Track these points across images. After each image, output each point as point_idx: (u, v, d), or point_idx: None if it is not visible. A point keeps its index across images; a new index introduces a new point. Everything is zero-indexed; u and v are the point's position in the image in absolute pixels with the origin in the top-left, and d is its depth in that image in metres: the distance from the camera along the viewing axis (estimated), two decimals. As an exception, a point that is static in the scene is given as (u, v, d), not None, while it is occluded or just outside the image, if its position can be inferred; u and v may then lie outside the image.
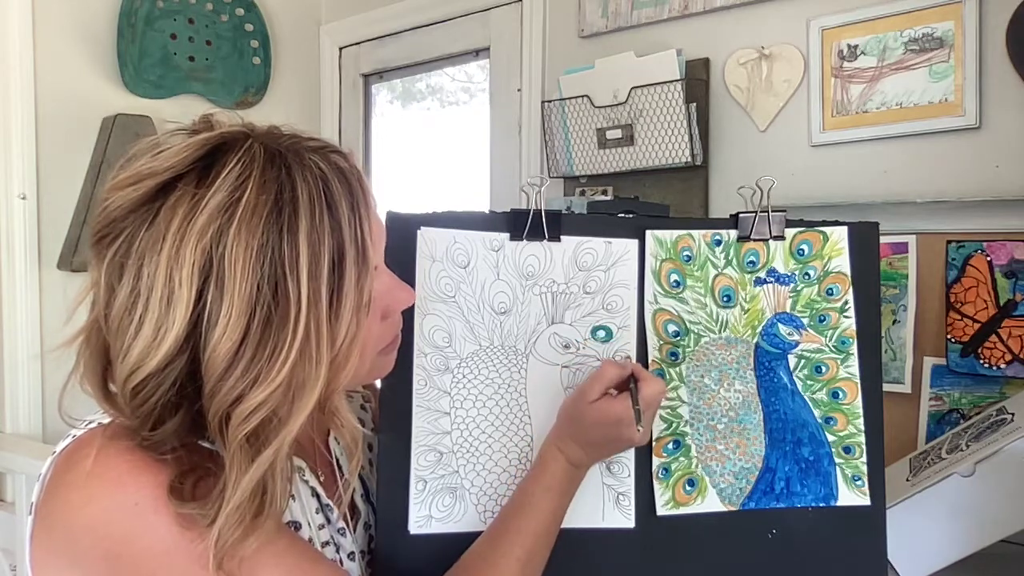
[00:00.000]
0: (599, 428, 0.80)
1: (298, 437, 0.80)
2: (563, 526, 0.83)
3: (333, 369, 0.65)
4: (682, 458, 0.90)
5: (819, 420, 0.93)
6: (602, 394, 0.80)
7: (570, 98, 1.94)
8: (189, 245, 0.60)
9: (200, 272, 0.61)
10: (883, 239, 0.98)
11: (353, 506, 0.85)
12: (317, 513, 0.78)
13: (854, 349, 0.94)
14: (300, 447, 0.81)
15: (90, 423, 0.70)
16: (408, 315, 0.85)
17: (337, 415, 0.70)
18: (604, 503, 0.88)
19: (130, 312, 0.63)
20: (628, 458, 0.89)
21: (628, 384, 0.81)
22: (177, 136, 0.66)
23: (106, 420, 0.69)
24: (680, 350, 0.91)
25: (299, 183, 0.64)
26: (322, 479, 0.82)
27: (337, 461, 0.87)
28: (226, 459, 0.63)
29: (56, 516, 0.66)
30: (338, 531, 0.79)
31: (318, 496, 0.78)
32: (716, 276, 0.93)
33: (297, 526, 0.75)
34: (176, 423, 0.65)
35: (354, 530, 0.84)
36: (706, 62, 1.81)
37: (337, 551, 0.79)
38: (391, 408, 0.85)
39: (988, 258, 1.43)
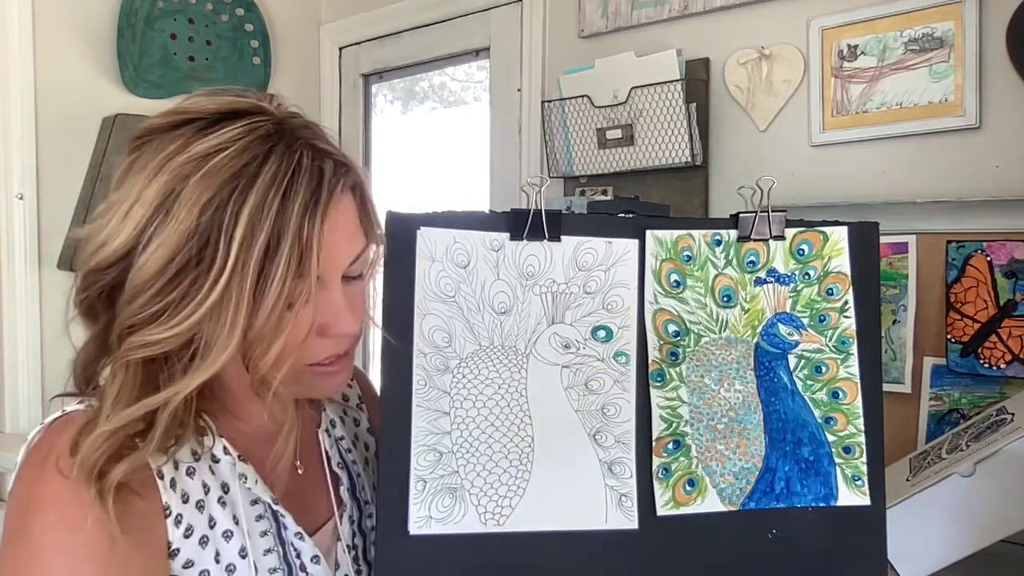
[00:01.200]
0: None
1: (264, 440, 0.80)
2: (565, 528, 0.83)
3: (244, 346, 0.67)
4: (682, 458, 0.90)
5: (819, 420, 0.93)
6: None
7: (570, 98, 1.94)
8: (163, 176, 0.66)
9: (159, 199, 0.65)
10: (883, 239, 0.98)
11: (340, 499, 0.86)
12: (258, 520, 0.77)
13: (854, 349, 0.94)
14: (263, 450, 0.81)
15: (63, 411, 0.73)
16: (408, 315, 0.85)
17: (267, 387, 0.70)
18: (607, 505, 0.88)
19: (104, 212, 0.69)
20: (630, 458, 0.89)
21: None
22: (229, 92, 0.72)
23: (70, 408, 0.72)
24: (680, 350, 0.91)
25: (271, 162, 0.67)
26: (301, 471, 0.83)
27: (326, 453, 0.87)
28: (109, 373, 0.68)
29: (11, 498, 0.70)
30: (295, 536, 0.79)
31: (268, 504, 0.77)
32: (716, 276, 0.93)
33: (228, 534, 0.74)
34: (94, 347, 0.71)
35: (340, 522, 0.84)
36: (706, 62, 1.81)
37: (298, 556, 0.78)
38: (391, 408, 0.85)
39: (988, 258, 1.43)
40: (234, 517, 0.75)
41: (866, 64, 1.60)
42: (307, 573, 0.79)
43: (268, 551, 0.77)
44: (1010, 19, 1.44)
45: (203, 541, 0.72)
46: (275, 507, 0.78)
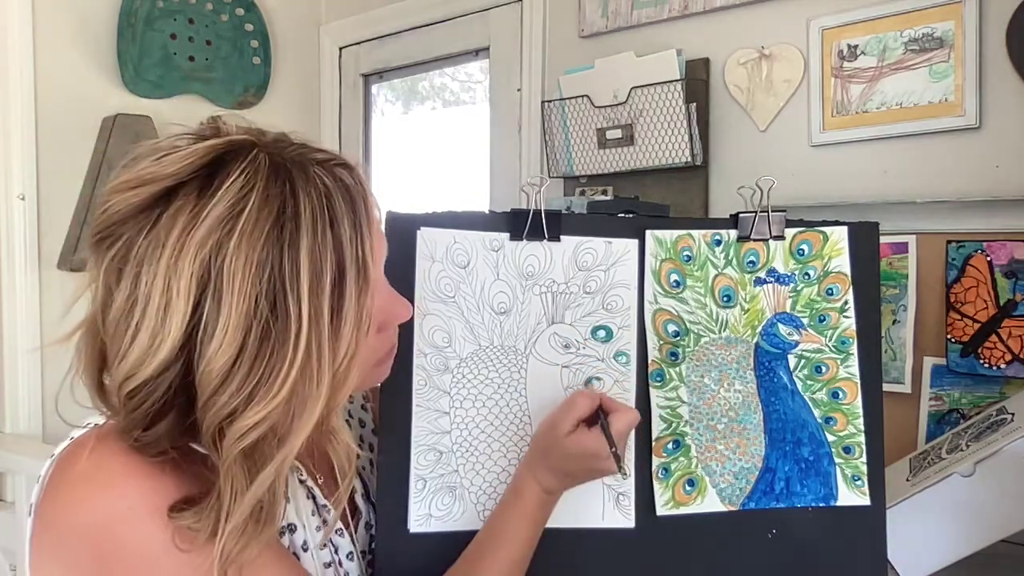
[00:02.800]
0: (573, 460, 0.79)
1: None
2: (563, 526, 0.83)
3: (333, 387, 0.65)
4: (682, 458, 0.90)
5: (819, 420, 0.93)
6: (575, 426, 0.79)
7: (570, 98, 1.94)
8: (188, 256, 0.60)
9: (198, 283, 0.60)
10: (883, 239, 0.98)
11: (354, 506, 0.86)
12: (313, 515, 0.78)
13: (854, 349, 0.94)
14: (305, 447, 0.81)
15: (89, 424, 0.70)
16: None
17: (335, 436, 0.70)
18: (604, 503, 0.88)
19: (127, 318, 0.62)
20: (628, 458, 0.89)
21: (598, 416, 0.79)
22: (183, 140, 0.65)
23: (103, 421, 0.69)
24: (680, 350, 0.91)
25: (302, 198, 0.63)
26: (320, 480, 0.82)
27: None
28: (221, 472, 0.63)
29: (49, 517, 0.66)
30: (336, 532, 0.79)
31: (314, 497, 0.78)
32: (716, 276, 0.93)
33: (292, 528, 0.75)
34: (168, 426, 0.64)
35: (355, 530, 0.84)
36: (706, 62, 1.81)
37: (336, 552, 0.79)
38: (391, 407, 0.85)
39: (988, 258, 1.43)
40: (296, 512, 0.76)
41: (866, 64, 1.60)
42: (344, 568, 0.80)
43: (323, 545, 0.77)
44: (1010, 19, 1.44)
45: (280, 533, 0.73)
46: (321, 502, 0.78)
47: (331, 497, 0.82)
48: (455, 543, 0.83)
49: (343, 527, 0.80)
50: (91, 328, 0.67)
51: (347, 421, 0.92)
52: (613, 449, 0.76)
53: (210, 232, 0.60)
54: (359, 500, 0.86)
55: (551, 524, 0.84)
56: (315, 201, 0.63)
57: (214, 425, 0.62)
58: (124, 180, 0.63)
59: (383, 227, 0.77)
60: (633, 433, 0.89)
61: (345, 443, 0.71)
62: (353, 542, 0.82)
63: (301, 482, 0.77)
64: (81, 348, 0.68)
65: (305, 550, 0.75)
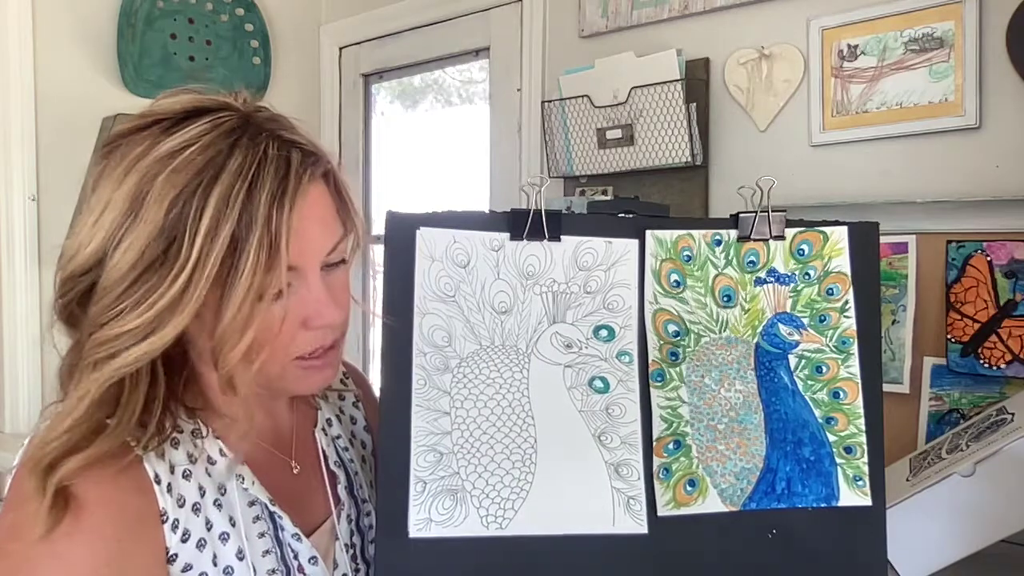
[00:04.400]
0: None
1: (276, 427, 0.80)
2: (572, 532, 0.83)
3: (224, 337, 0.67)
4: (683, 458, 0.90)
5: (820, 420, 0.93)
6: None
7: (570, 98, 1.94)
8: (131, 178, 0.66)
9: (129, 201, 0.66)
10: (883, 239, 0.98)
11: (337, 498, 0.86)
12: (255, 522, 0.77)
13: (855, 349, 0.94)
14: (278, 438, 0.81)
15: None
16: (408, 315, 0.85)
17: (231, 384, 0.70)
18: (615, 508, 0.87)
19: (78, 218, 0.70)
20: (637, 460, 0.89)
21: None
22: (188, 93, 0.72)
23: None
24: (680, 350, 0.91)
25: (235, 154, 0.67)
26: (297, 471, 0.83)
27: (323, 452, 0.87)
28: (78, 374, 0.68)
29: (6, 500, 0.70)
30: (293, 537, 0.78)
31: (265, 505, 0.77)
32: (716, 276, 0.93)
33: (225, 537, 0.74)
34: (79, 337, 0.70)
35: (338, 521, 0.84)
36: (706, 62, 1.81)
37: (295, 557, 0.78)
38: (390, 408, 0.85)
39: (988, 258, 1.43)
40: (231, 519, 0.75)
41: (866, 64, 1.60)
42: (305, 574, 0.79)
43: (266, 552, 0.76)
44: (1010, 19, 1.44)
45: (200, 544, 0.72)
46: (272, 508, 0.77)
47: (307, 489, 0.82)
48: (457, 550, 0.82)
49: (301, 533, 0.79)
50: None
51: (338, 416, 0.93)
52: None
53: (154, 162, 0.66)
54: (341, 491, 0.86)
55: (559, 531, 0.83)
56: (245, 161, 0.67)
57: (87, 332, 0.67)
58: (136, 112, 0.71)
59: (360, 215, 0.78)
60: (640, 434, 0.89)
61: (242, 395, 0.71)
62: (312, 547, 0.81)
63: (244, 489, 0.76)
64: None
65: (241, 559, 0.74)
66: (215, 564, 0.73)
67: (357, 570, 0.85)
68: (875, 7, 1.58)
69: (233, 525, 0.74)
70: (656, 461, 0.89)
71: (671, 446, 0.90)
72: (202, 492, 0.74)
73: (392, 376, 0.84)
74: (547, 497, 0.85)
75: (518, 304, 0.88)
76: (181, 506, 0.71)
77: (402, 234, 0.85)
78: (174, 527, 0.70)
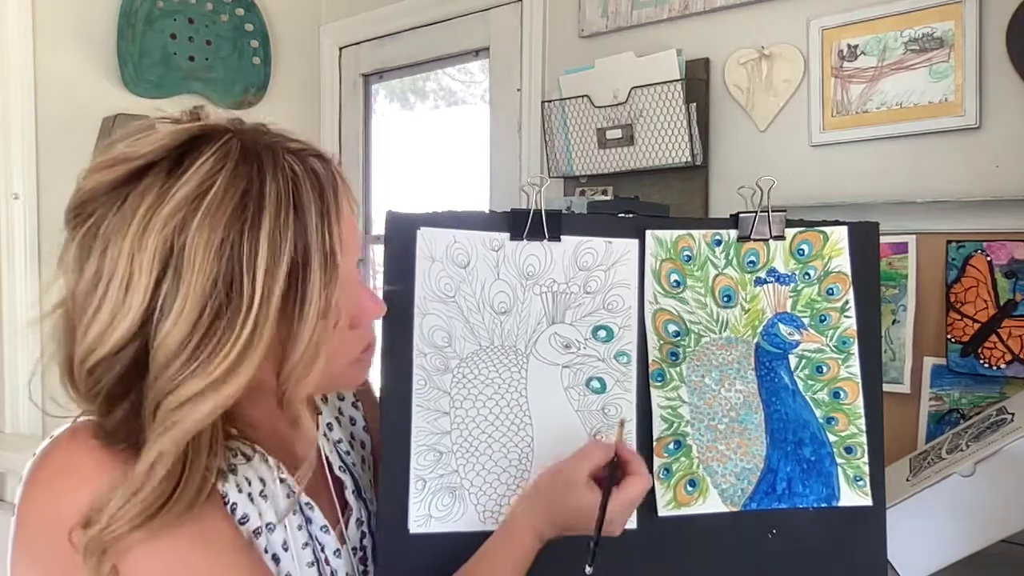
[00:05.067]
0: (576, 514, 0.78)
1: (282, 435, 0.80)
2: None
3: (296, 373, 0.65)
4: (683, 458, 0.90)
5: (820, 420, 0.93)
6: (587, 477, 0.78)
7: (570, 98, 1.94)
8: (152, 233, 0.61)
9: (160, 260, 0.61)
10: (883, 239, 0.98)
11: (344, 502, 0.85)
12: (294, 514, 0.77)
13: (855, 349, 0.94)
14: (280, 444, 0.81)
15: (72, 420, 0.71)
16: (408, 315, 0.85)
17: (299, 424, 0.69)
18: None
19: (91, 294, 0.63)
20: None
21: (611, 472, 0.78)
22: (159, 124, 0.66)
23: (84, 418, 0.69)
24: (680, 350, 0.91)
25: (268, 182, 0.64)
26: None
27: (327, 459, 0.87)
28: (147, 444, 0.63)
29: (24, 515, 0.67)
30: (321, 529, 0.79)
31: (295, 494, 0.77)
32: (716, 276, 0.93)
33: (271, 527, 0.74)
34: (127, 410, 0.64)
35: (346, 526, 0.84)
36: (706, 62, 1.81)
37: (322, 550, 0.78)
38: (391, 407, 0.85)
39: (988, 258, 1.43)
40: (275, 511, 0.75)
41: (866, 64, 1.60)
42: (331, 566, 0.79)
43: (305, 544, 0.77)
44: (1010, 19, 1.44)
45: (257, 532, 0.72)
46: (303, 500, 0.78)
47: (320, 496, 0.82)
48: (455, 544, 0.82)
49: (329, 525, 0.79)
50: (64, 311, 0.67)
51: (338, 418, 0.92)
52: (598, 531, 0.75)
53: (176, 210, 0.61)
54: (349, 496, 0.86)
55: None
56: (281, 186, 0.64)
57: (157, 399, 0.62)
58: (99, 160, 0.65)
59: (360, 222, 0.77)
60: (634, 434, 0.89)
61: (307, 433, 0.71)
62: (344, 538, 0.82)
63: (281, 480, 0.76)
64: (56, 330, 0.68)
65: (286, 550, 0.75)
66: (266, 552, 0.73)
67: (366, 572, 0.85)
68: (875, 7, 1.58)
69: (277, 517, 0.75)
70: (656, 461, 0.89)
71: (671, 446, 0.90)
72: (249, 483, 0.73)
73: (393, 376, 0.84)
74: None
75: (518, 304, 0.88)
76: (240, 492, 0.71)
77: (402, 234, 0.86)
78: (233, 510, 0.71)
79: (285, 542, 0.75)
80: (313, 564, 0.77)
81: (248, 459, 0.74)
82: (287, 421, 0.69)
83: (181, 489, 0.63)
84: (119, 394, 0.64)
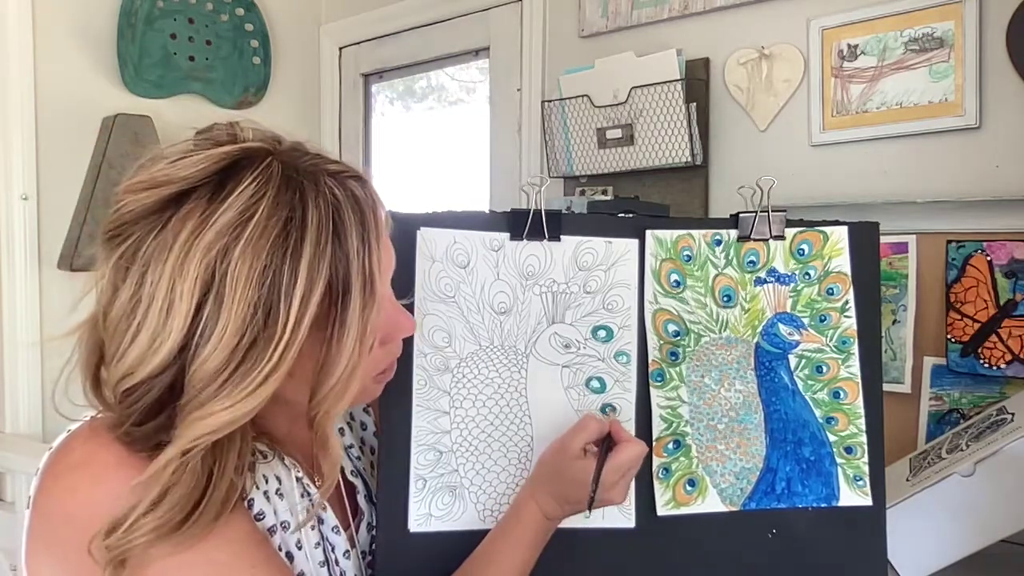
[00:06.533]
0: (573, 485, 0.79)
1: (301, 437, 0.80)
2: (563, 526, 0.83)
3: (330, 397, 0.65)
4: (682, 458, 0.90)
5: (820, 420, 0.93)
6: (583, 449, 0.80)
7: (570, 98, 1.94)
8: (194, 259, 0.61)
9: (202, 287, 0.61)
10: (883, 239, 0.98)
11: (356, 506, 0.86)
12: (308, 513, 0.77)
13: (855, 349, 0.94)
14: (298, 446, 0.81)
15: (86, 418, 0.71)
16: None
17: (325, 444, 0.69)
18: None
19: (129, 316, 0.63)
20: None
21: (605, 443, 0.80)
22: (198, 144, 0.66)
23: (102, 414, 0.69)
24: (680, 350, 0.91)
25: (311, 208, 0.63)
26: (319, 482, 0.82)
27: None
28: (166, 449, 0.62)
29: (42, 507, 0.67)
30: (333, 530, 0.79)
31: (310, 495, 0.78)
32: (716, 276, 0.93)
33: (286, 525, 0.74)
34: (157, 425, 0.65)
35: (357, 531, 0.84)
36: (706, 62, 1.81)
37: (333, 550, 0.79)
38: (391, 407, 0.85)
39: (988, 258, 1.43)
40: (290, 509, 0.75)
41: (866, 64, 1.60)
42: (340, 567, 0.79)
43: (317, 544, 0.77)
44: (1010, 19, 1.44)
45: (272, 530, 0.72)
46: (317, 500, 0.77)
47: (333, 497, 0.82)
48: (455, 543, 0.83)
49: (340, 527, 0.80)
50: (92, 325, 0.67)
51: (348, 423, 0.92)
52: (594, 486, 0.76)
53: (218, 237, 0.61)
54: (361, 500, 0.86)
55: None
56: (323, 212, 0.64)
57: (183, 418, 0.62)
58: (139, 180, 0.64)
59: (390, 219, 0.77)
60: (634, 433, 0.89)
61: (333, 454, 0.70)
62: (354, 542, 0.82)
63: (298, 480, 0.76)
64: (81, 343, 0.68)
65: (299, 548, 0.75)
66: (280, 549, 0.73)
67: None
68: (875, 7, 1.58)
69: (292, 515, 0.75)
70: (656, 461, 0.90)
71: (671, 446, 0.90)
72: (265, 480, 0.74)
73: (393, 376, 0.84)
74: None
75: (517, 304, 0.88)
76: (257, 488, 0.72)
77: (402, 234, 0.85)
78: (250, 505, 0.71)
79: (299, 541, 0.75)
80: (324, 564, 0.77)
81: (266, 457, 0.74)
82: (317, 443, 0.69)
83: (206, 503, 0.63)
84: (153, 413, 0.64)
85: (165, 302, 0.61)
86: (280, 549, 0.73)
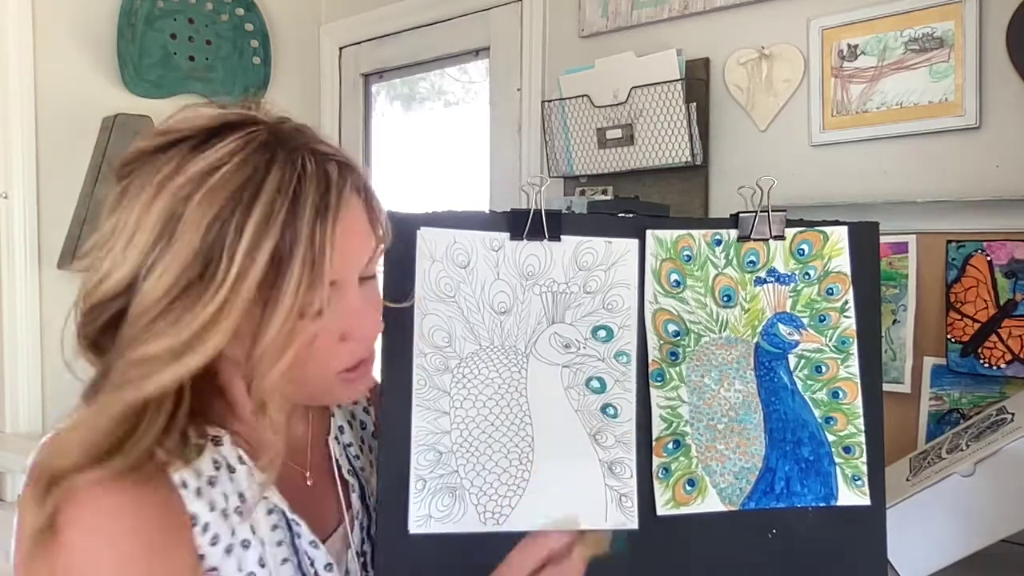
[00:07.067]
0: None
1: (292, 438, 0.80)
2: (565, 528, 0.83)
3: (263, 360, 0.66)
4: (682, 458, 0.90)
5: (819, 420, 0.93)
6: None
7: (570, 98, 1.94)
8: (161, 199, 0.64)
9: (161, 225, 0.64)
10: (883, 239, 0.98)
11: (349, 505, 0.85)
12: (274, 530, 0.76)
13: (854, 349, 0.94)
14: (293, 448, 0.81)
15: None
16: (408, 315, 0.85)
17: (270, 424, 0.69)
18: (607, 504, 0.88)
19: (103, 245, 0.67)
20: (630, 459, 0.89)
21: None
22: (208, 108, 0.70)
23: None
24: (680, 350, 0.91)
25: (274, 172, 0.65)
26: (310, 483, 0.82)
27: (336, 461, 0.87)
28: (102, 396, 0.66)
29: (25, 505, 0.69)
30: (310, 544, 0.78)
31: (282, 512, 0.77)
32: (716, 276, 0.93)
33: (246, 544, 0.73)
34: (101, 372, 0.68)
35: (352, 529, 0.84)
36: (706, 62, 1.81)
37: (312, 564, 0.78)
38: (391, 407, 0.85)
39: (988, 258, 1.43)
40: (251, 527, 0.74)
41: (866, 64, 1.60)
42: None
43: (285, 560, 0.76)
44: (1010, 19, 1.44)
45: (228, 550, 0.72)
46: (290, 515, 0.77)
47: (324, 503, 0.81)
48: (455, 545, 0.82)
49: (318, 540, 0.78)
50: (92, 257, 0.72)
51: (349, 422, 0.92)
52: None
53: (186, 183, 0.64)
54: (355, 500, 0.86)
55: (554, 527, 0.84)
56: (285, 178, 0.66)
57: (116, 357, 0.66)
58: (155, 128, 0.70)
59: (387, 226, 0.77)
60: (634, 433, 0.89)
61: (276, 443, 0.70)
62: (356, 550, 0.81)
63: (263, 497, 0.75)
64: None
65: (262, 566, 0.74)
66: (240, 570, 0.72)
67: None
68: (875, 7, 1.58)
69: (254, 533, 0.74)
70: (655, 460, 0.90)
71: (670, 446, 0.90)
72: (226, 498, 0.73)
73: (393, 376, 0.84)
74: (542, 494, 0.86)
75: (517, 304, 0.88)
76: (212, 510, 0.71)
77: (402, 234, 0.85)
78: (204, 529, 0.70)
79: (261, 558, 0.74)
80: None
81: (232, 471, 0.74)
82: (254, 410, 0.69)
83: (131, 445, 0.65)
84: (101, 346, 0.68)
85: (130, 233, 0.65)
86: (240, 570, 0.72)
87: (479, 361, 0.87)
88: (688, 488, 0.90)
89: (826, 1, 1.65)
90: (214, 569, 0.71)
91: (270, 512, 0.76)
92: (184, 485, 0.69)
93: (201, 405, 0.73)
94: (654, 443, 0.90)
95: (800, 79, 1.69)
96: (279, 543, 0.76)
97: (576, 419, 0.88)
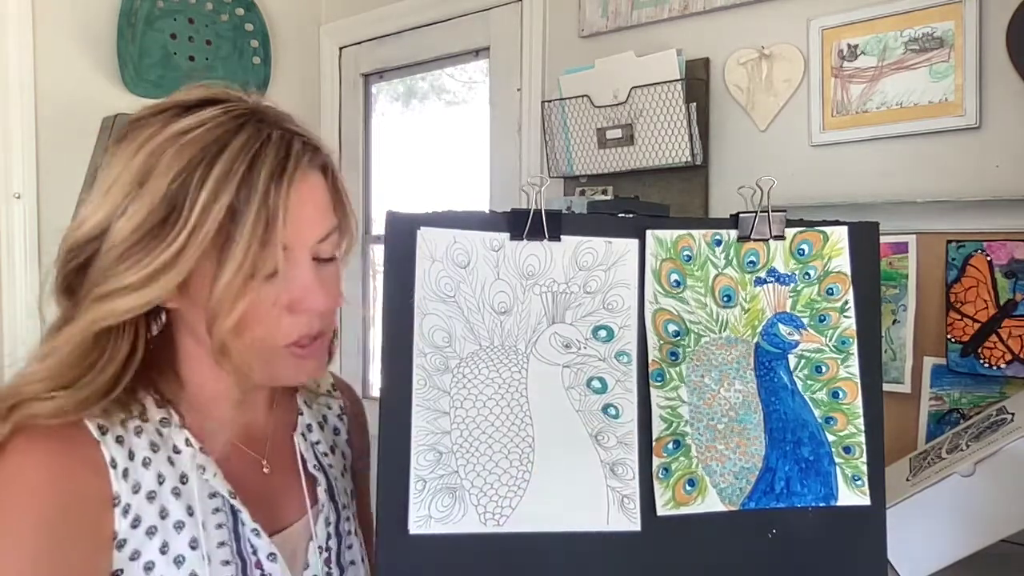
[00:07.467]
0: None
1: (250, 425, 0.84)
2: (566, 530, 0.83)
3: (216, 310, 0.70)
4: (682, 458, 0.90)
5: (819, 420, 0.93)
6: None
7: (570, 98, 1.94)
8: (142, 155, 0.70)
9: (136, 176, 0.70)
10: (883, 239, 0.98)
11: (314, 499, 0.87)
12: (215, 513, 0.78)
13: (854, 349, 0.94)
14: (251, 436, 0.83)
15: None
16: (408, 315, 0.85)
17: (226, 358, 0.73)
18: (609, 506, 0.88)
19: (87, 192, 0.74)
20: (632, 459, 0.89)
21: None
22: (206, 87, 0.76)
23: None
24: (680, 350, 0.91)
25: (240, 135, 0.70)
26: (267, 471, 0.84)
27: (302, 456, 0.88)
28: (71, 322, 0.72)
29: None
30: (252, 532, 0.79)
31: (225, 498, 0.78)
32: (716, 276, 0.93)
33: (180, 525, 0.75)
34: (71, 307, 0.74)
35: (315, 523, 0.86)
36: (706, 62, 1.81)
37: (254, 552, 0.79)
38: (391, 407, 0.85)
39: (988, 258, 1.43)
40: (188, 508, 0.76)
41: (866, 64, 1.60)
42: (263, 570, 0.79)
43: (221, 543, 0.77)
44: (1010, 19, 1.44)
45: (150, 532, 0.73)
46: (232, 501, 0.78)
47: (250, 502, 0.81)
48: (455, 545, 0.82)
49: (260, 529, 0.80)
50: None
51: (320, 423, 0.94)
52: None
53: (164, 142, 0.70)
54: (321, 494, 0.88)
55: (554, 528, 0.84)
56: (249, 142, 0.70)
57: (88, 288, 0.71)
58: (156, 102, 0.76)
59: (360, 222, 0.80)
60: (635, 434, 0.89)
61: (238, 368, 0.74)
62: (320, 544, 0.83)
63: (204, 480, 0.77)
64: None
65: (194, 548, 0.75)
66: (163, 552, 0.74)
67: (329, 573, 0.86)
68: (875, 7, 1.58)
69: (191, 515, 0.76)
70: (655, 461, 0.90)
71: (670, 446, 0.90)
72: (161, 480, 0.75)
73: (393, 376, 0.84)
74: (543, 495, 0.86)
75: (518, 304, 0.88)
76: (136, 492, 0.73)
77: (402, 234, 0.85)
78: (125, 511, 0.72)
79: (194, 540, 0.75)
80: (229, 563, 0.77)
81: (177, 452, 0.77)
82: (214, 353, 0.73)
83: (88, 380, 0.72)
84: (73, 288, 0.73)
85: (109, 183, 0.71)
86: (164, 552, 0.73)
87: (479, 361, 0.87)
88: (688, 488, 0.90)
89: (826, 1, 1.65)
90: (137, 553, 0.73)
91: (212, 495, 0.78)
92: (113, 465, 0.72)
93: (157, 368, 0.78)
94: (654, 443, 0.90)
95: (800, 79, 1.69)
96: (219, 526, 0.78)
97: (577, 419, 0.88)
